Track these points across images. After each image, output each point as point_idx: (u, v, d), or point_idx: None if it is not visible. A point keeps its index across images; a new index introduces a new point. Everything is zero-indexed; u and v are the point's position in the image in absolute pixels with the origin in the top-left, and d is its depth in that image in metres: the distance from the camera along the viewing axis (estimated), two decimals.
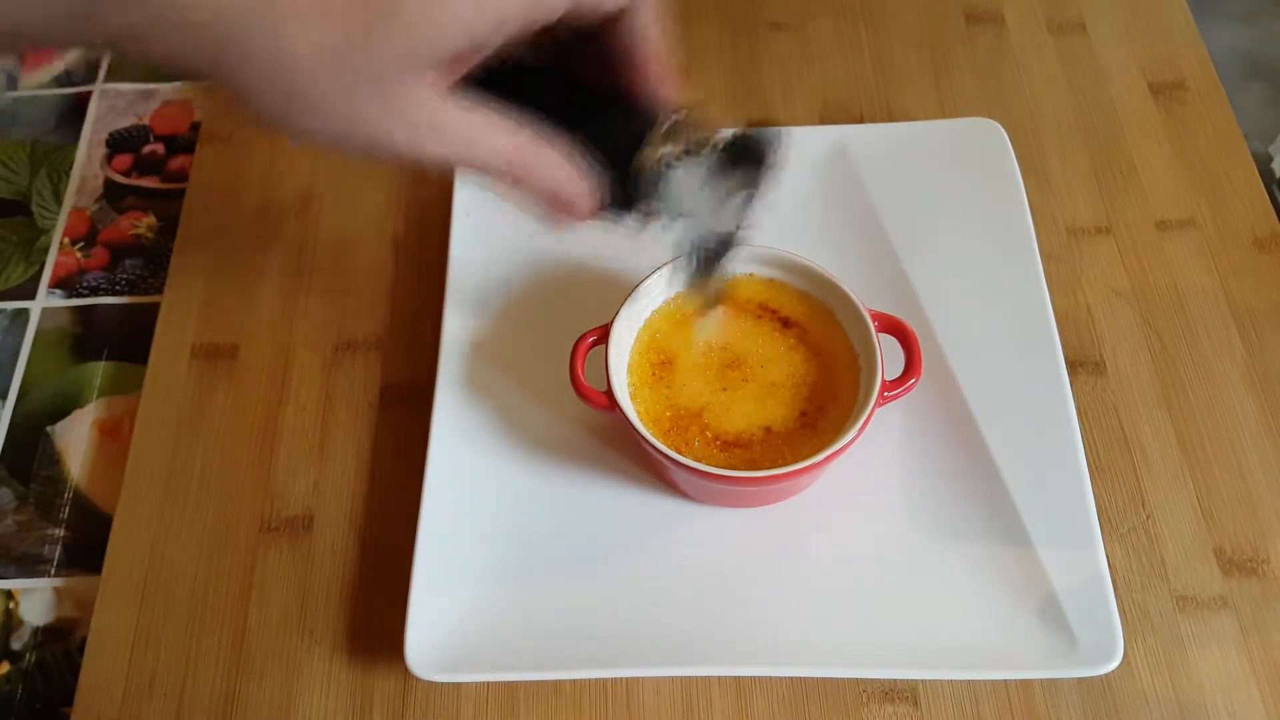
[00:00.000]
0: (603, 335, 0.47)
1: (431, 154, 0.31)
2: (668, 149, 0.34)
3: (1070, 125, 0.62)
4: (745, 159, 0.36)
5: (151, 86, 0.68)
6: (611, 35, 0.34)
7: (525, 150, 0.33)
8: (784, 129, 0.37)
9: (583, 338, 0.47)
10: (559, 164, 0.34)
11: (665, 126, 0.34)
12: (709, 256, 0.40)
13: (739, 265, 0.49)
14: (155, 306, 0.58)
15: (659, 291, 0.49)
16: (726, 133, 0.35)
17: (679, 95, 0.35)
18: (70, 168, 0.65)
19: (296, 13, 0.28)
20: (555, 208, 0.35)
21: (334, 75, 0.29)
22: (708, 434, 0.46)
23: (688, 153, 0.35)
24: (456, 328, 0.52)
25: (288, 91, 0.29)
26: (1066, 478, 0.47)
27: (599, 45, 0.34)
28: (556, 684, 0.46)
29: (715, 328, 0.47)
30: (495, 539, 0.48)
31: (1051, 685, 0.45)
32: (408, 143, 0.31)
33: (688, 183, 0.35)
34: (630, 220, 0.36)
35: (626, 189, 0.35)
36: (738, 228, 0.38)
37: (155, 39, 0.28)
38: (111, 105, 0.67)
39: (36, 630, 0.50)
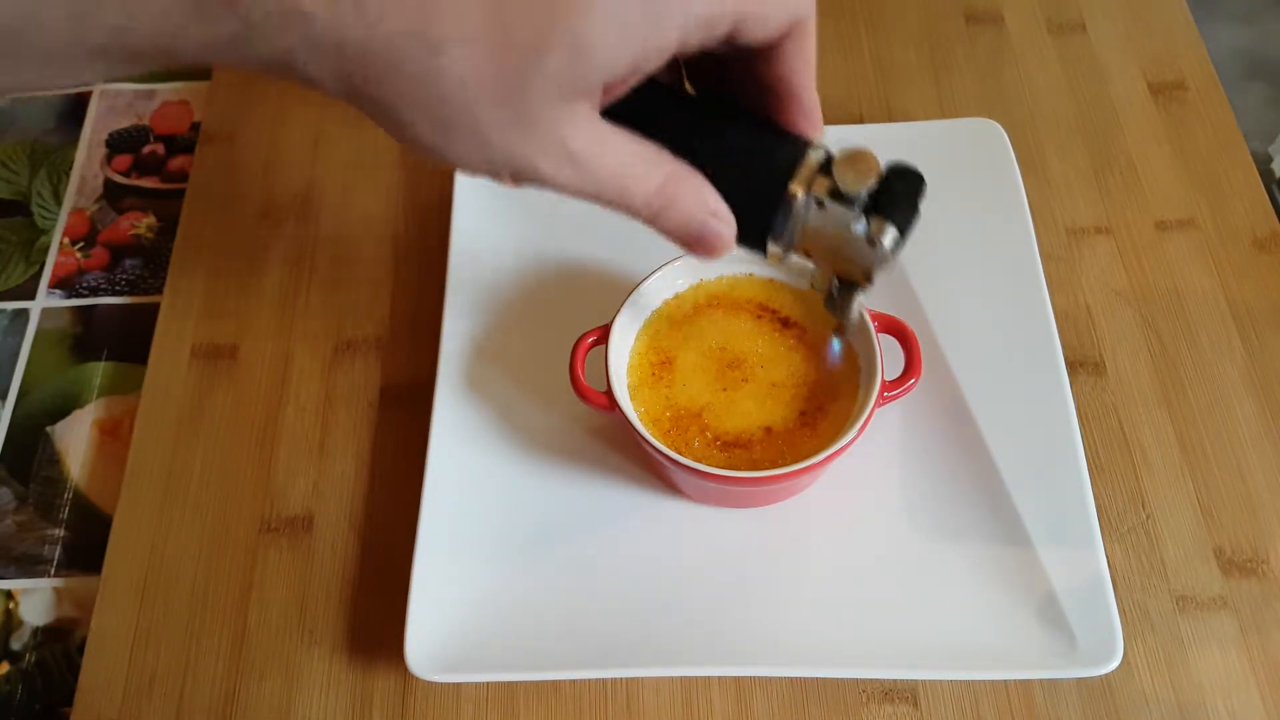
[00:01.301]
0: (603, 335, 0.47)
1: (578, 187, 0.31)
2: (813, 185, 0.33)
3: (1070, 125, 0.62)
4: (892, 202, 0.34)
5: (151, 87, 0.68)
6: (765, 61, 0.33)
7: (669, 186, 0.32)
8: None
9: (583, 338, 0.47)
10: (703, 200, 0.33)
11: (812, 161, 0.33)
12: (843, 294, 0.38)
13: (738, 265, 0.49)
14: (155, 306, 0.58)
15: (659, 291, 0.49)
16: (879, 170, 0.33)
17: (822, 130, 0.34)
18: (70, 168, 0.65)
19: (455, 39, 0.27)
20: (693, 244, 0.34)
21: (489, 104, 0.28)
22: (708, 434, 0.46)
23: (835, 192, 0.33)
24: (456, 328, 0.52)
25: (438, 118, 0.28)
26: (1066, 478, 0.47)
27: (748, 69, 0.33)
28: (556, 684, 0.46)
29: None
30: (495, 539, 0.48)
31: (1051, 685, 0.45)
32: (556, 173, 0.30)
33: (831, 222, 0.34)
34: (766, 251, 0.34)
35: (766, 222, 0.33)
36: (878, 267, 0.36)
37: (306, 64, 0.27)
38: (111, 105, 0.67)
39: (36, 630, 0.50)
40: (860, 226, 0.34)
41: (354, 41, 0.27)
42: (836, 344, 0.47)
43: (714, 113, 0.34)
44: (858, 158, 0.33)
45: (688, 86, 0.36)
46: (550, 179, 0.30)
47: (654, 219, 0.33)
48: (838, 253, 0.35)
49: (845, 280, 0.37)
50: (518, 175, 0.30)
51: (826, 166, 0.33)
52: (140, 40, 0.27)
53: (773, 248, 0.34)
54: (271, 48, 0.27)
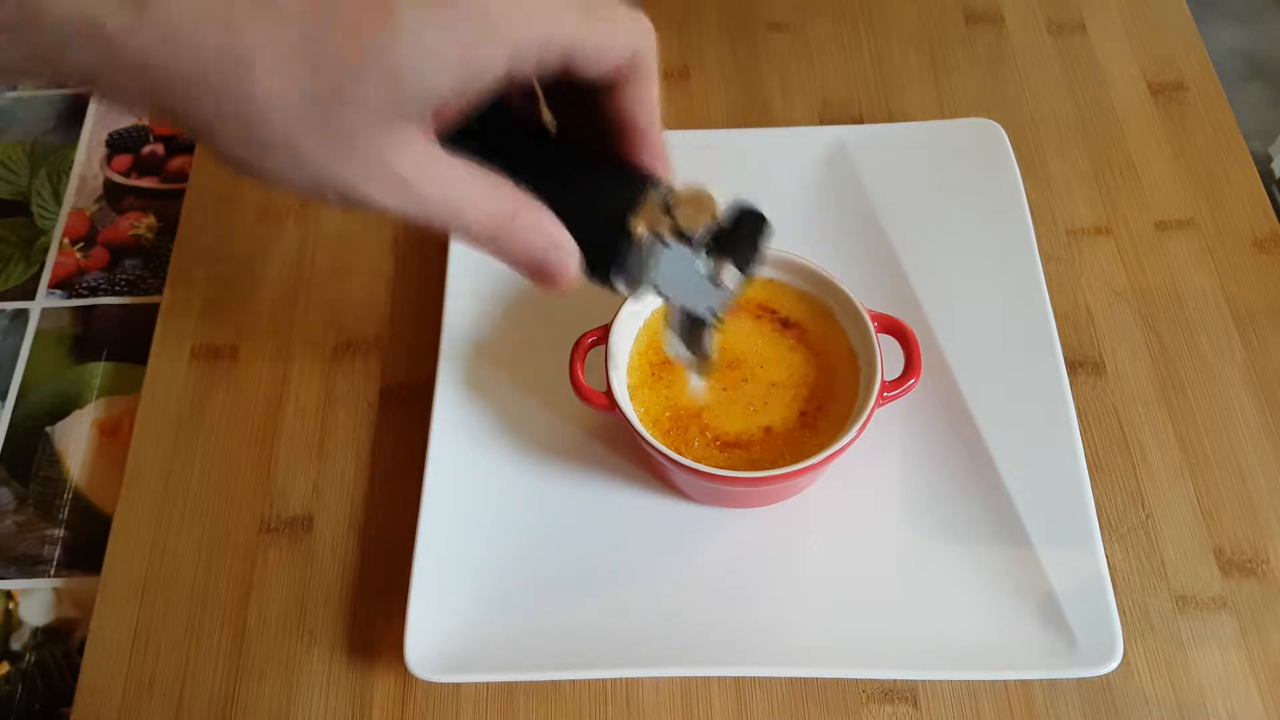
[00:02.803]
0: (603, 335, 0.47)
1: (406, 210, 0.30)
2: (657, 223, 0.33)
3: (1070, 125, 0.62)
4: (735, 241, 0.35)
5: None
6: (606, 98, 0.32)
7: (508, 213, 0.31)
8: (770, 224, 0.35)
9: (583, 338, 0.47)
10: (543, 229, 0.32)
11: (656, 199, 0.33)
12: (694, 330, 0.40)
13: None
14: (155, 306, 0.58)
15: None
16: (718, 211, 0.34)
17: (669, 169, 0.34)
18: (70, 168, 0.65)
19: (265, 59, 0.26)
20: (534, 275, 0.33)
21: (305, 124, 0.27)
22: (707, 434, 0.46)
23: (677, 230, 0.33)
24: (456, 328, 0.52)
25: (254, 138, 0.28)
26: (1066, 478, 0.47)
27: (591, 105, 0.33)
28: (556, 684, 0.46)
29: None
30: (495, 539, 0.48)
31: (1051, 685, 0.45)
32: (382, 196, 0.29)
33: (675, 260, 0.34)
34: (613, 287, 0.35)
35: (610, 258, 0.33)
36: (722, 306, 0.37)
37: (116, 81, 0.27)
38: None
39: (36, 631, 0.50)
40: (702, 265, 0.35)
41: (159, 61, 0.26)
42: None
43: (563, 146, 0.34)
44: (697, 197, 0.34)
45: (547, 117, 0.35)
46: (378, 203, 0.29)
47: (492, 246, 0.32)
48: (683, 290, 0.36)
49: (694, 317, 0.38)
50: (344, 198, 0.29)
51: (670, 205, 0.33)
52: None
53: (619, 283, 0.34)
54: (71, 67, 0.26)
